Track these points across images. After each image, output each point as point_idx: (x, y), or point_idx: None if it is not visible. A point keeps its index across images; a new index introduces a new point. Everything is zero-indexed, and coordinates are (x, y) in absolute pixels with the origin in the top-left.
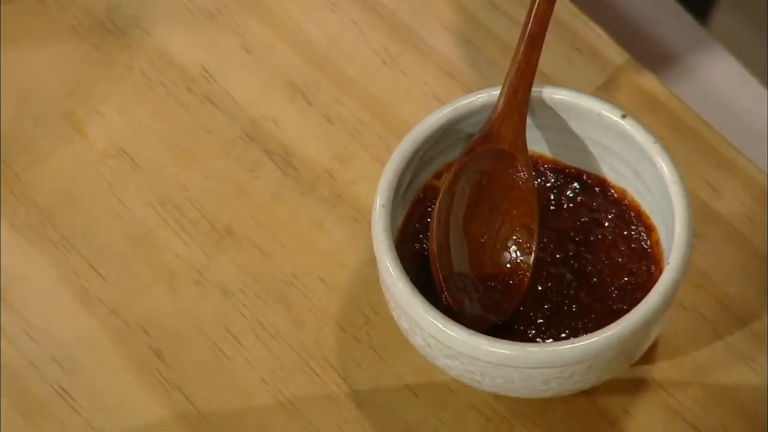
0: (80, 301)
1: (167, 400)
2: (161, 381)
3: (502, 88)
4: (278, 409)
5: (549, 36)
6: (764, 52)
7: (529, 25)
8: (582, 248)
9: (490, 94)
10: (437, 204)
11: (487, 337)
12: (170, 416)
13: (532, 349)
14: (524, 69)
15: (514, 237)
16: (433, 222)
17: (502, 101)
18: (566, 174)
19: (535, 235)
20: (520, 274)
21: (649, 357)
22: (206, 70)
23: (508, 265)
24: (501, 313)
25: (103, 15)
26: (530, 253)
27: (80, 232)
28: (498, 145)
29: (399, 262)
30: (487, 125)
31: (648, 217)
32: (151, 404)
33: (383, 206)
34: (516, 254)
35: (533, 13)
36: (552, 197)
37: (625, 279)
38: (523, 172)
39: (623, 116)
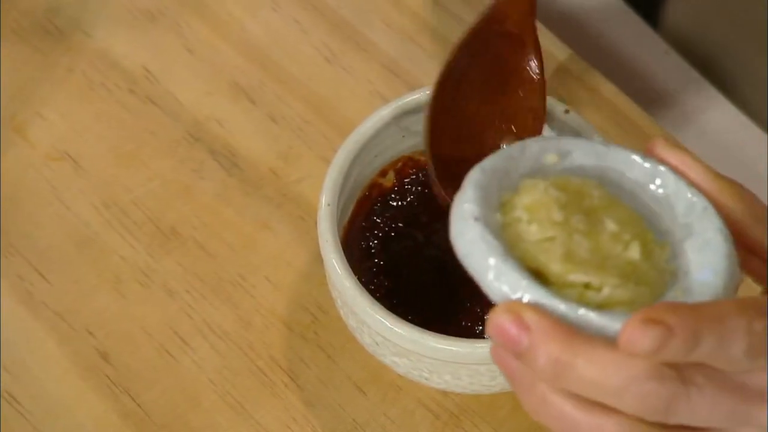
0: (25, 305)
1: (114, 402)
2: (108, 384)
3: None
4: (226, 410)
5: None
6: (710, 48)
7: None
8: None
9: None
10: (436, 82)
11: (434, 334)
12: (118, 418)
13: (479, 345)
14: None
15: (520, 119)
16: (430, 104)
17: None
18: None
19: (544, 117)
20: None
21: None
22: (149, 71)
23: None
24: None
25: (43, 17)
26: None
27: (24, 236)
28: (504, 27)
29: (346, 261)
30: (492, 5)
31: None
32: (99, 407)
33: (329, 204)
34: (521, 137)
35: None
36: None
37: None
38: (531, 54)
39: (566, 111)
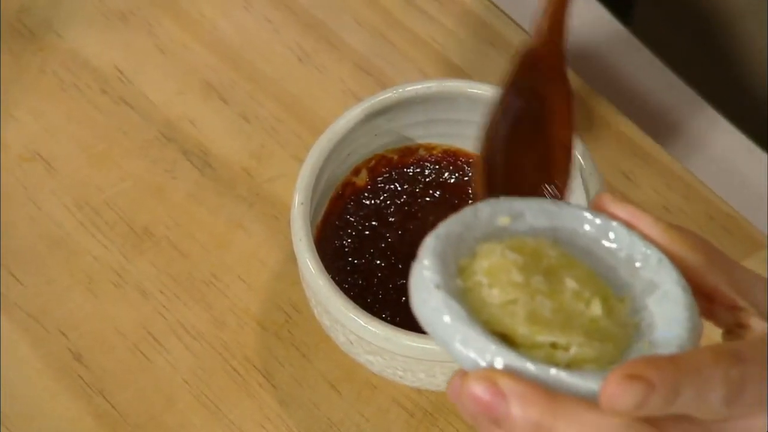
0: None
1: (88, 403)
2: (82, 385)
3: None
4: (200, 410)
5: (465, 30)
6: (684, 47)
7: None
8: None
9: (406, 90)
10: (485, 136)
11: (408, 332)
12: (92, 420)
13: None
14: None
15: (552, 156)
16: (483, 144)
17: (546, 24)
18: None
19: (573, 152)
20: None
21: None
22: (120, 71)
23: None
24: None
25: (14, 18)
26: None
27: None
28: (540, 68)
29: (319, 259)
30: (528, 48)
31: None
32: (73, 408)
33: (302, 203)
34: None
35: None
36: (470, 191)
37: None
38: (563, 90)
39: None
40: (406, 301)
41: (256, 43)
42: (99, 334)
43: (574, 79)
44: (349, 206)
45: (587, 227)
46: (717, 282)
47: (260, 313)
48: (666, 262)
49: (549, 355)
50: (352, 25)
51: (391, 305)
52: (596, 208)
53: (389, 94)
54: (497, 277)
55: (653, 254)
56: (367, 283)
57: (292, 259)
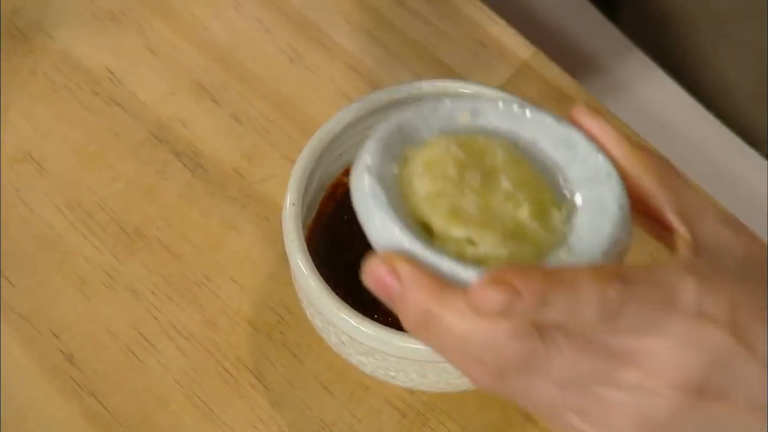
0: None
1: (80, 405)
2: (74, 386)
3: None
4: (192, 411)
5: (456, 31)
6: (668, 43)
7: None
8: None
9: (397, 90)
10: None
11: (400, 332)
12: (84, 421)
13: None
14: None
15: None
16: None
17: None
18: None
19: None
20: None
21: None
22: (111, 72)
23: None
24: None
25: (5, 19)
26: None
27: None
28: None
29: (311, 260)
30: None
31: None
32: (65, 410)
33: (294, 204)
34: None
35: None
36: None
37: None
38: None
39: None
40: None
41: (247, 43)
42: (91, 336)
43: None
44: (341, 206)
45: (550, 133)
46: (664, 204)
47: (252, 314)
48: (614, 177)
49: (461, 250)
50: (344, 25)
51: (383, 306)
52: (569, 117)
53: (380, 95)
54: (433, 168)
55: (604, 167)
56: (360, 283)
57: (284, 259)
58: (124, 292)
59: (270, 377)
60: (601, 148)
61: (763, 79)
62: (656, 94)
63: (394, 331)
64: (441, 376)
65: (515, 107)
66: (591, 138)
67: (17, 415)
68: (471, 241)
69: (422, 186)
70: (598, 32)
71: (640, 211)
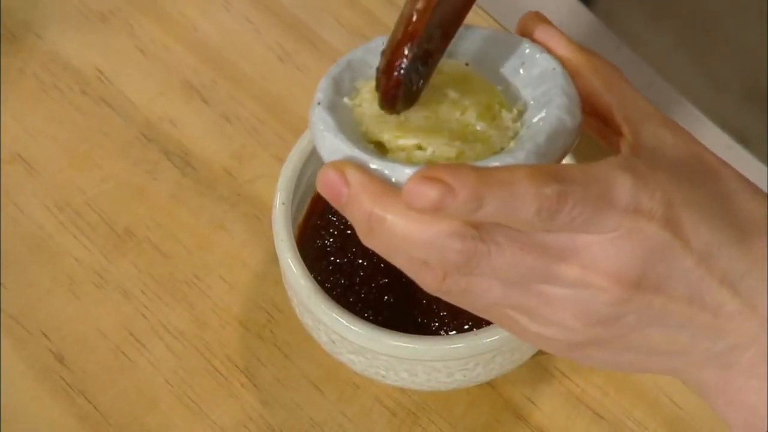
0: None
1: (70, 405)
2: (64, 386)
3: None
4: (183, 410)
5: None
6: (648, 33)
7: None
8: None
9: None
10: None
11: (390, 331)
12: (74, 421)
13: (436, 342)
14: None
15: None
16: None
17: None
18: None
19: None
20: None
21: None
22: (101, 72)
23: None
24: None
25: None
26: None
27: None
28: None
29: (301, 259)
30: None
31: None
32: (55, 410)
33: (283, 204)
34: None
35: None
36: None
37: None
38: None
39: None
40: (389, 301)
41: (237, 43)
42: (81, 336)
43: None
44: (331, 206)
45: (499, 45)
46: (609, 105)
47: (242, 313)
48: (559, 71)
49: (410, 156)
50: (333, 24)
51: (374, 304)
52: (519, 26)
53: None
54: None
55: (549, 64)
56: (350, 282)
57: (273, 259)
58: (114, 292)
59: (260, 376)
60: (550, 50)
61: (754, 78)
62: (646, 93)
63: (384, 330)
64: (431, 375)
65: (462, 29)
66: (540, 43)
67: (7, 416)
68: (420, 147)
69: (371, 108)
70: (576, 20)
71: (589, 111)
